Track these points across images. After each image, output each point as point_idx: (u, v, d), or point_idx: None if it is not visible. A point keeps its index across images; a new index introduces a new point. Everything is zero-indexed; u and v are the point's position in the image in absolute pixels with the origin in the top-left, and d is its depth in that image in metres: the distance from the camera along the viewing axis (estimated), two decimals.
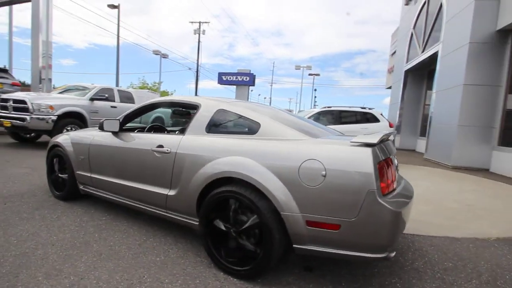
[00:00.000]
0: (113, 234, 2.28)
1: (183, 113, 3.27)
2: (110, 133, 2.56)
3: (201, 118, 2.12)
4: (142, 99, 9.27)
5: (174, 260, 1.93)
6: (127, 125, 2.72)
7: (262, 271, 1.69)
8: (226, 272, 1.79)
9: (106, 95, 7.71)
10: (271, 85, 62.15)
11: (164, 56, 28.63)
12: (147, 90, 14.47)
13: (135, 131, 2.79)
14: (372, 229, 1.45)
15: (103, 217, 2.62)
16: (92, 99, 7.39)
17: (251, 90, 34.37)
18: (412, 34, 11.21)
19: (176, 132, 2.72)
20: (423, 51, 9.83)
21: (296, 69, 31.75)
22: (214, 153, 1.88)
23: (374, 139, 1.52)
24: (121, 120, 2.53)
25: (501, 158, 6.43)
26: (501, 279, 1.93)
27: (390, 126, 7.32)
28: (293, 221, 1.57)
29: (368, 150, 1.50)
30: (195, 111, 2.22)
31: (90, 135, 2.78)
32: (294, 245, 1.63)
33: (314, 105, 39.45)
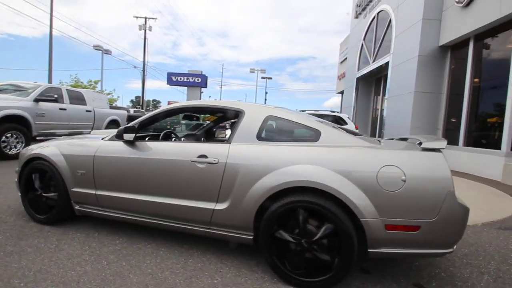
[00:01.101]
0: (143, 260, 1.99)
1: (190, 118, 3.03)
2: (122, 143, 2.23)
3: (249, 125, 1.99)
4: (96, 101, 8.30)
5: (234, 280, 1.78)
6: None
7: (339, 280, 1.68)
8: (295, 285, 1.72)
9: (55, 96, 6.64)
10: (221, 87, 61.81)
11: (107, 52, 25.92)
12: (94, 91, 12.89)
13: (146, 139, 2.48)
14: (450, 227, 1.58)
15: (115, 241, 2.27)
16: (36, 100, 6.28)
17: (202, 92, 33.70)
18: (362, 45, 12.41)
19: (212, 141, 2.50)
20: (374, 61, 10.96)
21: (250, 72, 32.27)
22: (275, 162, 1.79)
23: (442, 145, 1.65)
24: (136, 127, 2.22)
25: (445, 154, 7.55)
26: (510, 258, 2.27)
27: (356, 128, 7.98)
28: (372, 226, 1.59)
29: (441, 155, 1.62)
30: (238, 117, 2.08)
31: (91, 145, 2.37)
32: (369, 250, 1.65)
33: None
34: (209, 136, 3.54)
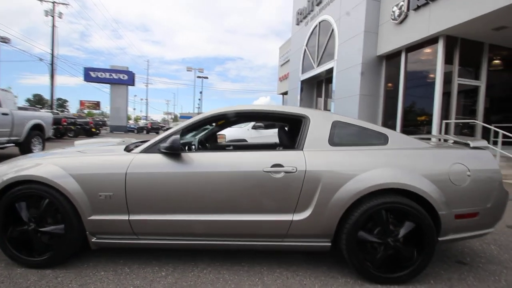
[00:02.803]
0: (214, 287, 1.77)
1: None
2: (161, 156, 1.92)
3: (318, 131, 1.99)
4: (8, 101, 6.65)
5: None
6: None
7: (420, 272, 1.84)
8: (380, 283, 1.82)
9: None
10: (147, 85, 57.19)
11: (4, 40, 20.63)
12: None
13: (187, 150, 2.19)
14: (497, 210, 1.92)
15: (161, 272, 1.95)
16: None
17: None
18: (305, 50, 13.39)
19: (278, 148, 2.31)
20: (318, 66, 11.99)
21: (187, 70, 30.84)
22: (357, 166, 1.85)
23: (485, 143, 1.99)
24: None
25: None
26: None
27: None
28: (446, 217, 1.82)
29: (489, 152, 1.95)
30: (302, 124, 2.04)
31: (118, 161, 1.94)
32: (439, 238, 1.87)
33: (197, 107, 39.03)
34: (210, 141, 3.32)
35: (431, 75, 7.39)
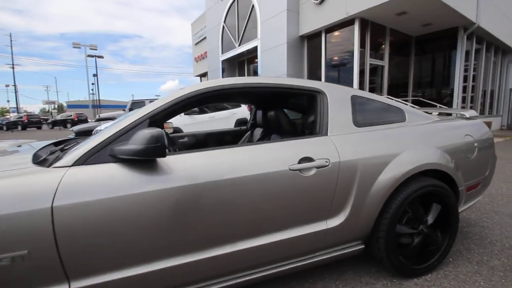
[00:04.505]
0: None
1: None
2: (120, 166, 1.16)
3: (340, 110, 1.59)
4: None
5: None
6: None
7: (446, 256, 1.76)
8: (416, 276, 1.66)
9: None
10: (13, 67, 43.52)
11: None
12: None
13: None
14: (491, 177, 2.00)
15: None
16: None
17: None
18: (224, 27, 12.63)
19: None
20: (240, 45, 11.51)
21: (74, 47, 24.86)
22: (389, 149, 1.57)
23: (474, 113, 2.03)
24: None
25: None
26: None
27: (248, 109, 8.26)
28: (462, 192, 1.77)
29: (481, 121, 1.99)
30: (316, 101, 1.59)
31: (27, 185, 1.06)
32: None
33: (91, 93, 31.97)
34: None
35: (349, 56, 8.03)
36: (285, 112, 1.84)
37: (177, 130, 5.80)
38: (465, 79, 8.90)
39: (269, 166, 1.31)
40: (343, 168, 1.42)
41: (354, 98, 1.66)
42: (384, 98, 1.79)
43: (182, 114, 6.01)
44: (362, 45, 7.77)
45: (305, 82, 1.61)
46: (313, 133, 1.57)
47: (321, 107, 1.58)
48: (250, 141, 2.61)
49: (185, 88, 1.38)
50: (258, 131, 2.53)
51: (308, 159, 1.37)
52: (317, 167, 1.38)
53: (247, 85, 1.48)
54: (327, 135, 1.50)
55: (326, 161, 1.40)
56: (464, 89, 8.99)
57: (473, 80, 9.54)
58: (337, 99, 1.60)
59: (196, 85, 1.40)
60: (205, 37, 15.36)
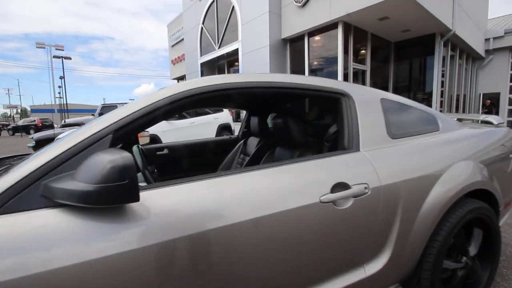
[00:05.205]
0: None
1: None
2: (63, 213, 0.73)
3: (370, 117, 1.26)
4: None
5: None
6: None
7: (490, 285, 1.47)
8: None
9: None
10: None
11: None
12: None
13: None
14: None
15: None
16: None
17: None
18: (202, 29, 12.15)
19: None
20: (220, 47, 11.09)
21: (38, 47, 22.95)
22: (433, 166, 1.28)
23: (501, 120, 1.81)
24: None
25: None
26: None
27: (230, 114, 7.85)
28: (501, 212, 1.52)
29: (508, 128, 1.77)
30: (341, 105, 1.24)
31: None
32: None
33: (57, 96, 29.49)
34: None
35: (332, 60, 7.91)
36: (295, 119, 1.47)
37: (154, 138, 5.23)
38: (442, 84, 9.16)
39: (293, 199, 0.93)
40: (384, 194, 1.08)
41: (384, 102, 1.33)
42: (415, 102, 1.49)
43: None
44: (346, 49, 7.69)
45: (325, 82, 1.25)
46: (338, 148, 1.22)
47: (347, 114, 1.23)
48: (243, 153, 2.21)
49: (166, 89, 0.96)
50: (253, 142, 2.15)
51: (343, 186, 1.01)
52: (355, 196, 1.02)
53: (255, 84, 1.09)
54: (359, 150, 1.15)
55: (366, 187, 1.04)
56: (442, 94, 9.24)
57: (448, 85, 9.88)
58: (365, 103, 1.27)
59: (184, 84, 1.00)
60: (182, 39, 14.76)
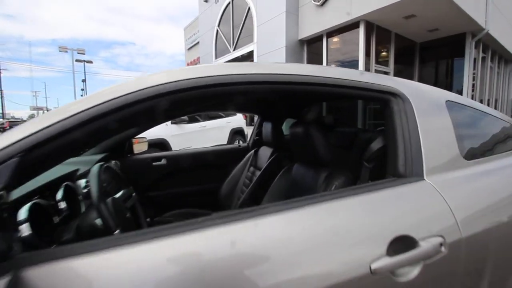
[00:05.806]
0: None
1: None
2: None
3: (435, 128, 0.85)
4: None
5: None
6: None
7: None
8: None
9: None
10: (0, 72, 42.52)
11: None
12: None
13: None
14: None
15: None
16: None
17: None
18: (218, 31, 12.00)
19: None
20: (235, 49, 10.86)
21: (60, 51, 23.82)
22: None
23: None
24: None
25: None
26: None
27: (244, 117, 7.55)
28: None
29: None
30: (392, 111, 0.86)
31: None
32: None
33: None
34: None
35: (353, 61, 7.45)
36: (321, 130, 1.10)
37: (161, 142, 4.98)
38: (472, 88, 8.45)
39: (324, 267, 0.56)
40: (467, 252, 0.69)
41: (451, 107, 0.94)
42: (493, 110, 1.09)
43: (169, 123, 5.18)
44: (367, 50, 7.21)
45: (372, 77, 0.87)
46: (386, 172, 0.84)
47: (402, 123, 0.85)
48: (253, 165, 1.86)
49: (122, 85, 0.62)
50: (265, 152, 1.79)
51: (405, 242, 0.64)
52: (425, 259, 0.64)
53: (264, 78, 0.74)
54: (423, 178, 0.77)
55: (441, 243, 0.66)
56: (472, 98, 8.52)
57: (479, 89, 9.12)
58: (428, 108, 0.88)
59: (177, 71, 0.65)
60: (198, 42, 14.71)
